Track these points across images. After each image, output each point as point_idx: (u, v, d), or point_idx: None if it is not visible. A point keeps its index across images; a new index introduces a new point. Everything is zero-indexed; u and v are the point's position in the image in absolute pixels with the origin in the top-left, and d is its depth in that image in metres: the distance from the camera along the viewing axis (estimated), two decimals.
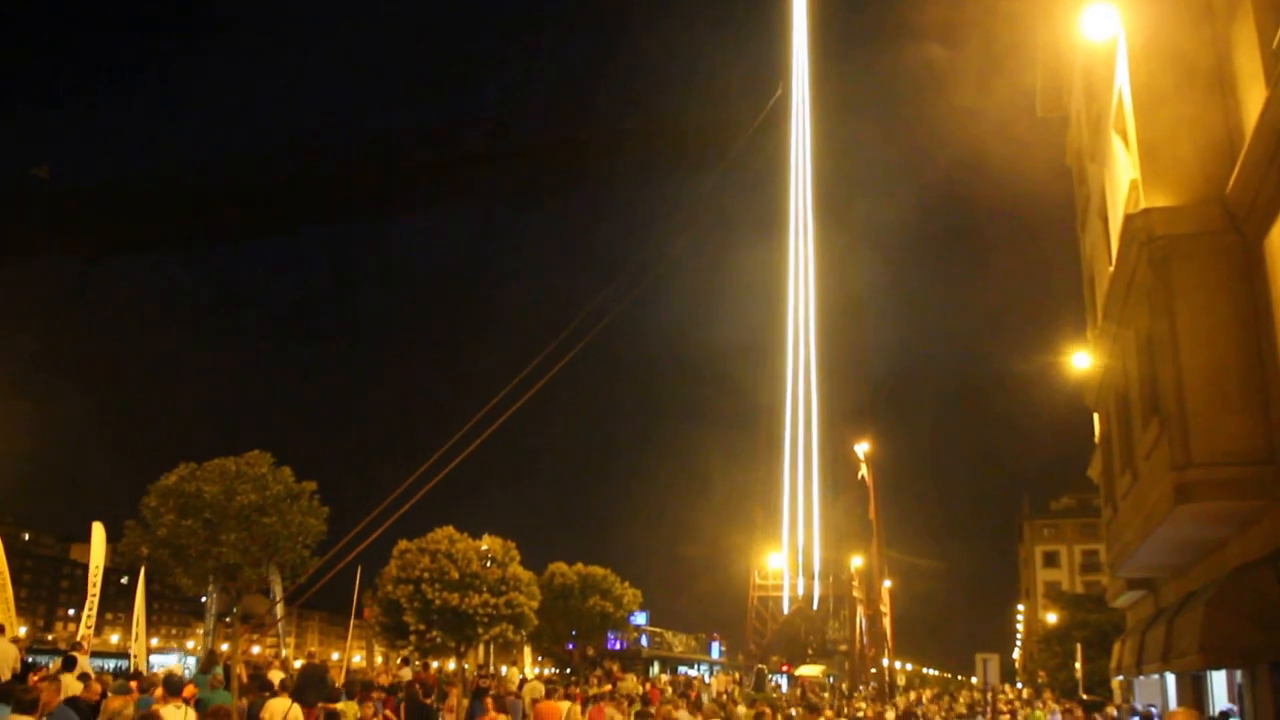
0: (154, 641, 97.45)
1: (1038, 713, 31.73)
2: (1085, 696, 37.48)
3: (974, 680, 62.43)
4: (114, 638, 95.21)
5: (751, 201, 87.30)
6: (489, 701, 22.09)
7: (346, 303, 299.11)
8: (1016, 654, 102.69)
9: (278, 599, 32.35)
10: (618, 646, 65.38)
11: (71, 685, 15.95)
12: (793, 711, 28.37)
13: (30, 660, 20.37)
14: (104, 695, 14.91)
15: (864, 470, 76.16)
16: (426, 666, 35.12)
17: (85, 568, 31.33)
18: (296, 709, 16.36)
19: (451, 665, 37.30)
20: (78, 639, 26.15)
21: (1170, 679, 22.76)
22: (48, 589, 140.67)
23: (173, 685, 12.50)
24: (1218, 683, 18.70)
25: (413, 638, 29.70)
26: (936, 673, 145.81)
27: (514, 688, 28.59)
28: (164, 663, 29.31)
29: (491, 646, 37.41)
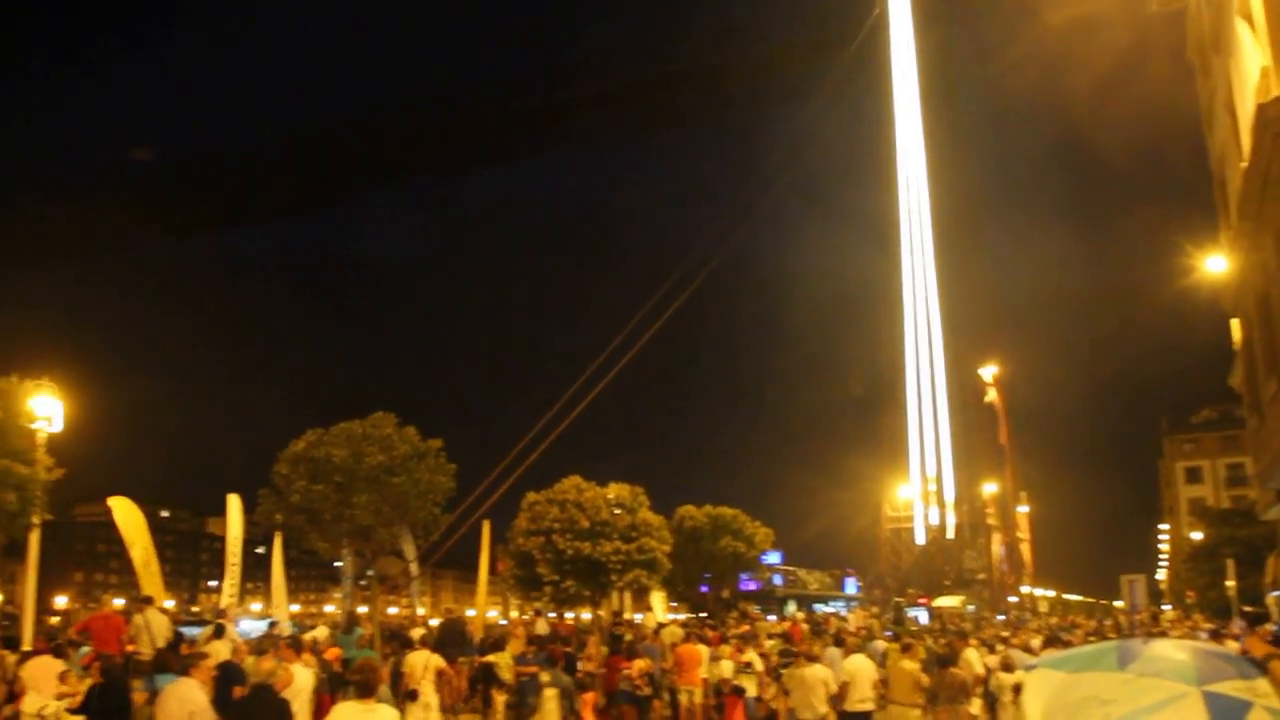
0: (294, 608, 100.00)
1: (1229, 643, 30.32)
2: (1247, 609, 36.16)
3: (1118, 604, 60.78)
4: (255, 605, 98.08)
5: (858, 126, 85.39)
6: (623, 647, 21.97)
7: (460, 257, 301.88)
8: (1162, 574, 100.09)
9: (410, 559, 32.66)
10: (751, 587, 65.15)
11: (223, 651, 16.31)
12: (934, 643, 27.70)
13: (180, 631, 20.85)
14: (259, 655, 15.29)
15: (991, 393, 74.66)
16: (562, 616, 35.18)
17: (222, 540, 31.97)
18: (436, 658, 16.46)
19: (586, 615, 37.32)
20: (222, 608, 26.68)
21: None
22: (189, 563, 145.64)
23: (296, 644, 12.98)
24: None
25: (547, 589, 29.73)
26: (1079, 598, 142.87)
27: (650, 633, 28.41)
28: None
29: (626, 593, 37.36)
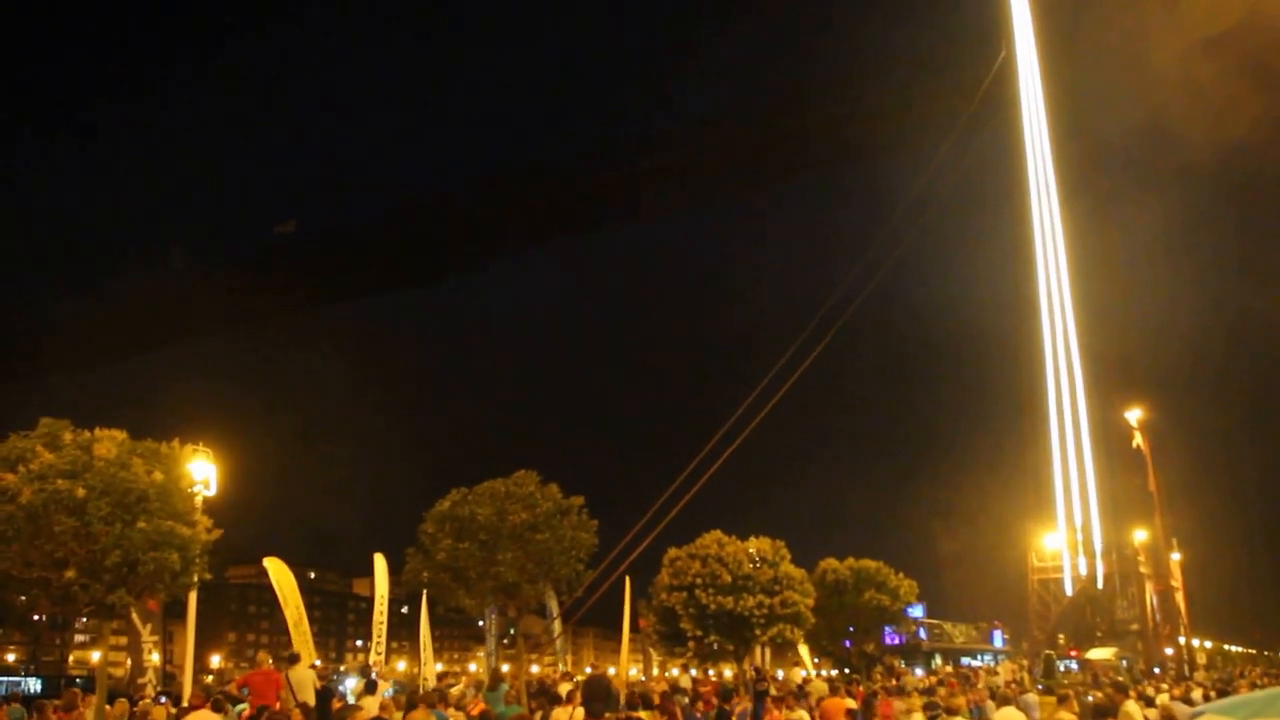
0: (438, 666, 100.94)
1: None
2: None
3: None
4: (400, 664, 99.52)
5: (989, 162, 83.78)
6: (770, 702, 21.81)
7: (597, 316, 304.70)
8: None
9: (554, 616, 32.89)
10: (896, 641, 64.00)
11: (373, 706, 16.68)
12: (1089, 696, 26.79)
13: (328, 688, 21.36)
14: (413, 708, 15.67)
15: (1138, 438, 72.11)
16: (705, 673, 34.97)
17: (368, 600, 32.61)
18: (580, 713, 16.57)
19: (728, 672, 36.99)
20: (370, 665, 27.21)
21: None
22: (335, 623, 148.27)
23: (443, 698, 13.56)
24: None
25: (691, 644, 29.60)
26: (1240, 649, 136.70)
27: (795, 688, 28.09)
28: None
29: (768, 649, 36.96)
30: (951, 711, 17.12)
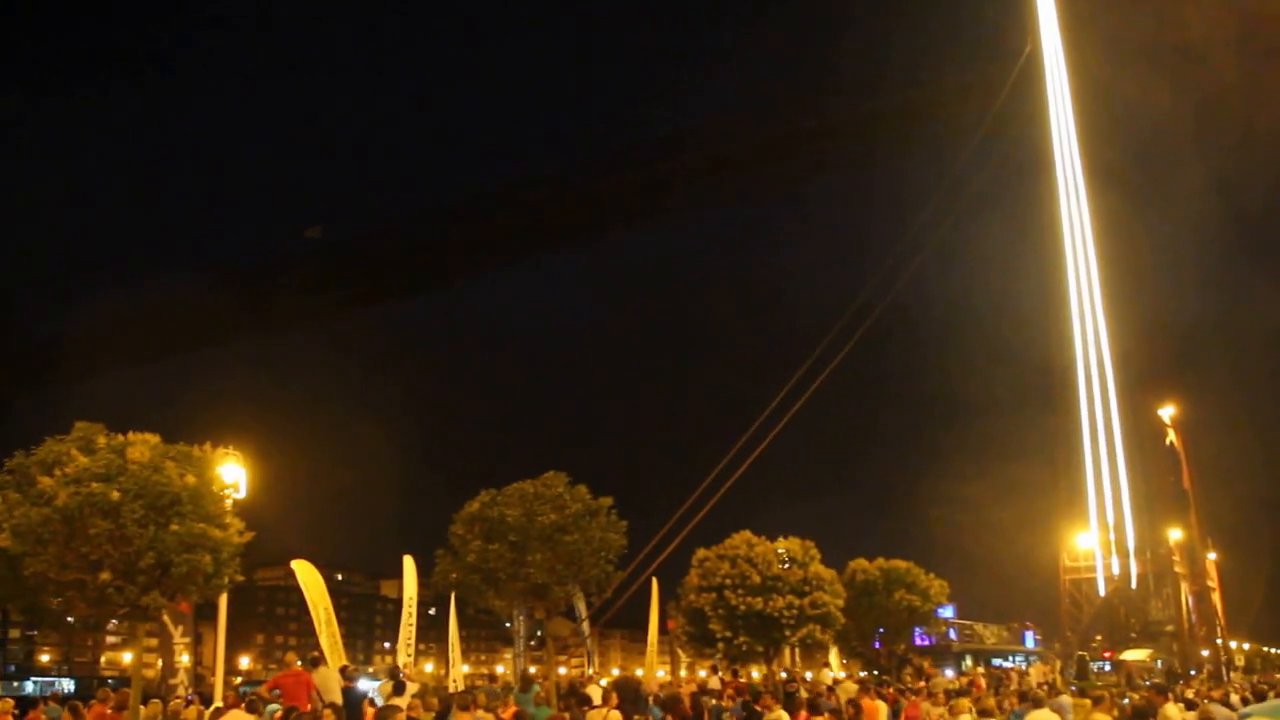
0: (465, 668, 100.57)
1: None
2: None
3: None
4: (428, 666, 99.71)
5: (1017, 165, 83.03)
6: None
7: (626, 317, 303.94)
8: None
9: (583, 618, 32.85)
10: (926, 642, 63.70)
11: (403, 707, 16.77)
12: (1124, 700, 26.55)
13: (357, 689, 21.45)
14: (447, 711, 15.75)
15: (1171, 436, 71.56)
16: (736, 673, 34.88)
17: (395, 602, 32.64)
18: (615, 715, 16.53)
19: (755, 674, 36.84)
20: (399, 666, 27.24)
21: None
22: (362, 625, 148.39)
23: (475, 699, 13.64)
24: None
25: (720, 645, 29.55)
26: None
27: (825, 690, 27.99)
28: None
29: (797, 650, 36.85)
30: (986, 713, 17.03)
